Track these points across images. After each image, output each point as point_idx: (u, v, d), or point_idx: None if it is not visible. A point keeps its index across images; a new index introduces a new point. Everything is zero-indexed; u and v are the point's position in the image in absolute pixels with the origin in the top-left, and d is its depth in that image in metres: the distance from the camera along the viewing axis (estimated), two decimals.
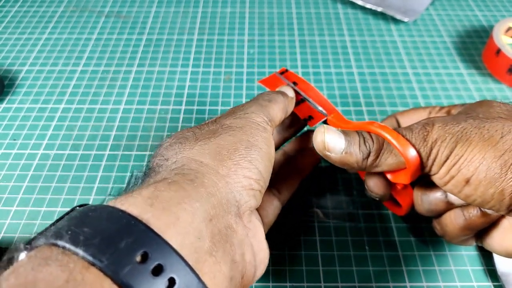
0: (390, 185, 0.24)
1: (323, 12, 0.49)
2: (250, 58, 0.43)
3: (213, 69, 0.42)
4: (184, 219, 0.15)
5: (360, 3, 0.49)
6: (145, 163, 0.21)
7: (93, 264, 0.12)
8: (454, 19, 0.48)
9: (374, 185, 0.24)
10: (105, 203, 0.15)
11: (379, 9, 0.48)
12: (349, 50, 0.44)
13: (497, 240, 0.22)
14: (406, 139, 0.21)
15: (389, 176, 0.23)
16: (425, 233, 0.28)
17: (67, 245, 0.12)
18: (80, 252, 0.12)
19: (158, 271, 0.13)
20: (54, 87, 0.39)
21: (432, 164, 0.20)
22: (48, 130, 0.35)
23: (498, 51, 0.39)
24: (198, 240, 0.15)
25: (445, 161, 0.20)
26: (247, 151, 0.19)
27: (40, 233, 0.14)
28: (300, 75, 0.28)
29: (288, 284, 0.26)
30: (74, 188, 0.31)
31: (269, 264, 0.26)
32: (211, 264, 0.15)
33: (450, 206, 0.22)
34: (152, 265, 0.13)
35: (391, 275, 0.26)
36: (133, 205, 0.15)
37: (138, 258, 0.13)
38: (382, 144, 0.21)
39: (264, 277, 0.26)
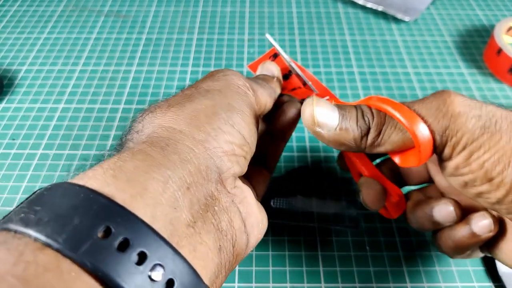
0: (384, 199, 0.22)
1: (323, 12, 0.49)
2: (250, 57, 0.43)
3: (213, 69, 0.41)
4: (153, 189, 0.13)
5: (360, 2, 0.49)
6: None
7: (47, 245, 0.11)
8: (455, 18, 0.48)
9: (368, 198, 0.21)
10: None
11: (380, 8, 0.48)
12: (350, 49, 0.44)
13: (506, 251, 0.20)
14: (413, 110, 0.17)
15: (396, 159, 0.19)
16: (425, 233, 0.28)
17: (18, 228, 0.11)
18: (32, 233, 0.11)
19: (124, 246, 0.11)
20: (53, 87, 0.39)
21: (445, 145, 0.17)
22: (48, 130, 0.35)
23: (499, 50, 0.39)
24: (174, 210, 0.13)
25: (464, 148, 0.16)
26: (228, 115, 0.17)
27: None
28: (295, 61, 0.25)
29: (288, 285, 0.26)
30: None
31: (269, 265, 0.27)
32: (189, 236, 0.13)
33: (437, 226, 0.21)
34: (116, 239, 0.11)
35: (392, 276, 0.26)
36: (92, 178, 0.13)
37: (100, 234, 0.11)
38: (384, 118, 0.18)
39: (265, 277, 0.26)
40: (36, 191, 0.13)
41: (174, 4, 0.50)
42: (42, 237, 0.11)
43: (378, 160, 0.25)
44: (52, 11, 0.49)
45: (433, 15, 0.49)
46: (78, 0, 0.51)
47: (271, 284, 0.26)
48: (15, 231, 0.11)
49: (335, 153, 0.34)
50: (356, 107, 0.19)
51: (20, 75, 0.41)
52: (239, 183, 0.17)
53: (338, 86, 0.39)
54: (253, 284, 0.26)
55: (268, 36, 0.25)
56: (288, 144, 0.34)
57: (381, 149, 0.18)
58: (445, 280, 0.26)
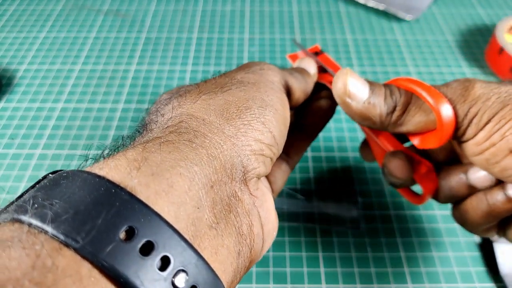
0: (413, 168, 0.21)
1: (324, 11, 0.49)
2: (250, 57, 0.43)
3: (213, 68, 0.41)
4: (179, 186, 0.12)
5: (362, 1, 0.49)
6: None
7: (66, 245, 0.10)
8: (457, 17, 0.48)
9: (395, 167, 0.21)
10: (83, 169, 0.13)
11: (381, 7, 0.47)
12: (351, 48, 0.43)
13: None
14: (440, 92, 0.18)
15: (415, 141, 0.20)
16: (427, 234, 0.28)
17: (33, 221, 0.10)
18: (49, 230, 0.10)
19: (148, 249, 0.11)
20: (52, 86, 0.39)
21: (468, 125, 0.17)
22: (46, 129, 0.35)
23: (501, 49, 0.39)
24: (197, 210, 0.13)
25: (486, 124, 0.17)
26: (260, 111, 0.16)
27: (3, 208, 0.11)
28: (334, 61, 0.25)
29: (289, 286, 0.26)
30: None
31: (269, 265, 0.26)
32: (211, 238, 0.13)
33: (472, 190, 0.20)
34: (140, 242, 0.11)
35: (393, 277, 0.26)
36: (114, 169, 0.12)
37: (123, 235, 0.11)
38: (410, 98, 0.19)
39: (265, 278, 0.26)
40: (48, 175, 0.12)
41: (173, 3, 0.50)
42: (61, 236, 0.10)
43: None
44: (51, 10, 0.49)
45: (434, 14, 0.48)
46: None
47: (271, 285, 0.26)
48: (29, 225, 0.10)
49: (336, 153, 0.33)
50: (385, 85, 0.19)
51: (19, 74, 0.40)
52: (261, 185, 0.17)
53: None
54: (254, 285, 0.26)
55: (296, 42, 0.26)
56: None
57: (403, 129, 0.19)
58: (447, 281, 0.26)
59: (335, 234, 0.28)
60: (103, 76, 0.40)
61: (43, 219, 0.10)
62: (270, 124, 0.16)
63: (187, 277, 0.11)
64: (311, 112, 0.24)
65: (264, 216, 0.16)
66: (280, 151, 0.18)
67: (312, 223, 0.28)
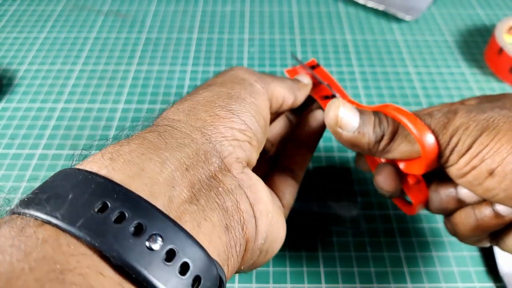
0: (401, 180, 0.22)
1: (324, 11, 0.49)
2: (250, 57, 0.43)
3: (213, 68, 0.41)
4: (150, 169, 0.13)
5: (361, 1, 0.49)
6: None
7: (48, 222, 0.11)
8: (456, 17, 0.48)
9: (383, 181, 0.22)
10: None
11: (381, 8, 0.48)
12: (351, 49, 0.44)
13: None
14: (425, 124, 0.19)
15: (401, 165, 0.21)
16: (427, 234, 0.28)
17: (20, 209, 0.12)
18: (32, 212, 0.11)
19: (120, 219, 0.12)
20: (53, 87, 0.39)
21: (450, 153, 0.18)
22: (46, 129, 0.35)
23: (500, 50, 0.39)
24: (172, 189, 0.13)
25: (467, 150, 0.18)
26: (226, 102, 0.17)
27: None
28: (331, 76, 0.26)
29: (289, 285, 0.26)
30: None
31: (269, 265, 0.26)
32: (192, 212, 0.13)
33: (461, 204, 0.21)
34: (112, 213, 0.12)
35: (393, 276, 0.26)
36: (91, 162, 0.14)
37: (97, 209, 0.12)
38: (397, 128, 0.20)
39: (265, 278, 0.26)
40: None
41: (173, 3, 0.50)
42: (42, 215, 0.11)
43: None
44: (51, 11, 0.49)
45: (434, 14, 0.48)
46: None
47: (271, 285, 0.26)
48: (19, 213, 0.12)
49: (336, 153, 0.33)
50: (374, 114, 0.20)
51: (19, 74, 0.40)
52: (248, 170, 0.17)
53: None
54: (254, 285, 0.26)
55: (293, 55, 0.27)
56: None
57: (389, 156, 0.20)
58: (446, 281, 0.26)
59: (335, 234, 0.28)
60: (103, 76, 0.40)
61: (27, 205, 0.12)
62: (238, 111, 0.17)
63: (163, 242, 0.12)
64: (306, 124, 0.25)
65: (253, 197, 0.17)
66: (259, 137, 0.18)
67: (312, 222, 0.29)
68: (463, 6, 0.50)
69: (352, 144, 0.20)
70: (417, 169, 0.20)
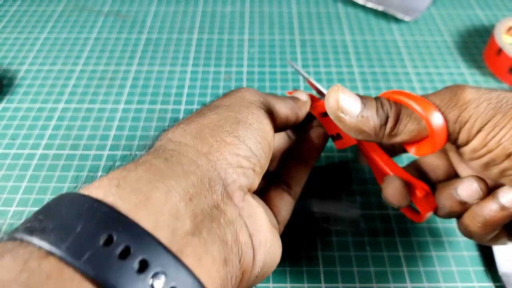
0: (409, 193, 0.22)
1: (323, 12, 0.49)
2: (250, 57, 0.43)
3: (213, 69, 0.41)
4: (156, 199, 0.14)
5: (361, 2, 0.49)
6: None
7: (51, 253, 0.11)
8: (455, 18, 0.48)
9: (392, 195, 0.21)
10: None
11: (380, 8, 0.48)
12: (350, 49, 0.44)
13: None
14: (428, 100, 0.19)
15: (412, 150, 0.20)
16: (426, 233, 0.28)
17: (23, 236, 0.12)
18: (36, 241, 0.11)
19: (126, 254, 0.12)
20: (53, 87, 0.39)
21: (460, 130, 0.18)
22: (47, 130, 0.35)
23: (499, 50, 0.39)
24: (176, 220, 0.13)
25: (479, 131, 0.17)
26: (233, 127, 0.17)
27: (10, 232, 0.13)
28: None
29: (288, 285, 0.26)
30: (73, 188, 0.31)
31: None
32: (194, 245, 0.14)
33: (466, 205, 0.20)
34: (117, 247, 0.12)
35: (392, 276, 0.26)
36: (97, 188, 0.14)
37: (102, 242, 0.12)
38: (400, 108, 0.19)
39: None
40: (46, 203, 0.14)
41: (174, 4, 0.50)
42: (46, 245, 0.11)
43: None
44: (52, 11, 0.49)
45: (433, 15, 0.49)
46: (78, 0, 0.51)
47: (271, 284, 0.26)
48: (21, 240, 0.12)
49: (336, 153, 0.34)
50: (375, 98, 0.20)
51: (20, 75, 0.41)
52: (249, 197, 0.17)
53: None
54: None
55: (290, 62, 0.27)
56: None
57: (397, 139, 0.19)
58: (446, 280, 0.26)
59: (335, 234, 0.28)
60: (103, 76, 0.40)
61: (31, 233, 0.12)
62: (244, 137, 0.17)
63: (166, 280, 0.12)
64: (306, 141, 0.25)
65: (252, 226, 0.17)
66: (263, 162, 0.18)
67: (311, 222, 0.29)
68: (462, 6, 0.50)
69: (357, 130, 0.20)
70: (428, 149, 0.19)
